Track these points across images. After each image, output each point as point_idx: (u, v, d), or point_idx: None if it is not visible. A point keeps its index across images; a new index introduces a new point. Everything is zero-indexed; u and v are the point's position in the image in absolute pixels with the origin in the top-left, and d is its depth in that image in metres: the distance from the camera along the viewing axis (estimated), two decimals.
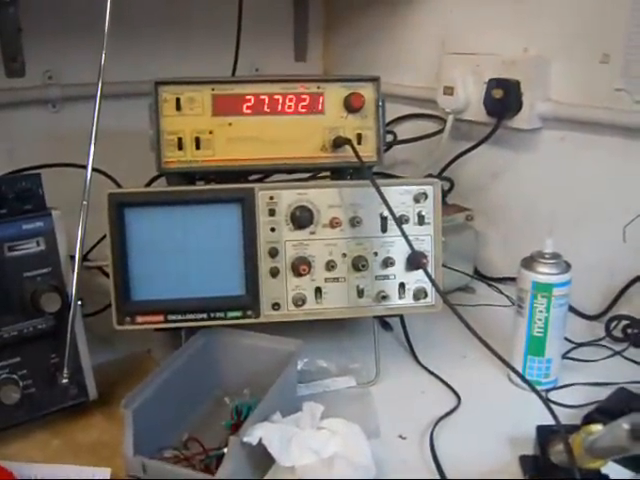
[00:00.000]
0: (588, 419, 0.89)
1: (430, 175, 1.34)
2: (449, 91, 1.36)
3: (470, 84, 1.33)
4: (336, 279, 0.97)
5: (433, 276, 0.96)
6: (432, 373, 1.05)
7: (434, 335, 1.15)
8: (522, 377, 0.89)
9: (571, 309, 1.21)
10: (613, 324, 1.16)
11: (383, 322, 1.17)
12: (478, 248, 1.39)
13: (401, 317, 1.12)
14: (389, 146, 1.42)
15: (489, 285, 1.38)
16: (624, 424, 0.64)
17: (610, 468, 0.78)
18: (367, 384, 1.01)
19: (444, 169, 1.40)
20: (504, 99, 1.25)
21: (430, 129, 1.46)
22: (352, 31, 1.73)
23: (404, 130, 1.53)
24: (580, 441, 0.72)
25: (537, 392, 0.80)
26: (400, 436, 0.91)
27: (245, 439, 0.74)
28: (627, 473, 0.83)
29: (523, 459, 0.84)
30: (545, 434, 0.83)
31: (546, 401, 0.79)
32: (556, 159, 1.27)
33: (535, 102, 1.24)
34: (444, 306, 1.17)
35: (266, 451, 0.75)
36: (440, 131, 1.41)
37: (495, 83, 1.26)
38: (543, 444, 0.81)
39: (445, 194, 1.37)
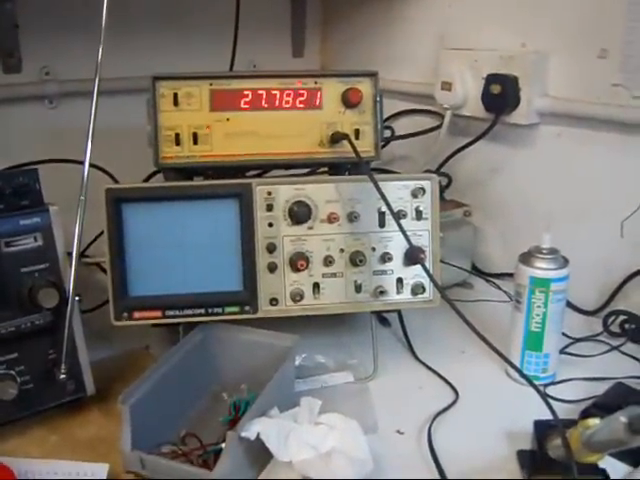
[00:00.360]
0: (585, 414, 0.89)
1: (428, 171, 1.34)
2: (447, 86, 1.35)
3: (468, 79, 1.33)
4: (334, 274, 0.97)
5: (431, 271, 0.96)
6: (430, 368, 1.05)
7: (432, 331, 1.15)
8: (520, 372, 0.89)
9: (569, 304, 1.21)
10: (611, 319, 1.16)
11: (381, 318, 1.17)
12: (476, 244, 1.39)
13: (399, 313, 1.12)
14: (387, 142, 1.42)
15: (487, 281, 1.37)
16: (622, 417, 0.64)
17: (607, 462, 0.78)
18: (365, 380, 1.01)
19: (442, 165, 1.40)
20: (502, 94, 1.24)
21: (428, 125, 1.46)
22: (350, 27, 1.73)
23: (402, 126, 1.53)
24: (578, 435, 0.72)
25: (535, 387, 0.80)
26: (398, 431, 0.91)
27: (243, 434, 0.74)
28: (624, 467, 0.83)
29: (521, 454, 0.84)
30: (543, 429, 0.83)
31: (544, 396, 0.79)
32: (553, 155, 1.27)
33: (533, 97, 1.24)
34: (442, 301, 1.17)
35: (264, 446, 0.75)
36: (438, 127, 1.41)
37: (493, 78, 1.26)
38: (540, 439, 0.82)
39: (443, 190, 1.37)
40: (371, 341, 1.04)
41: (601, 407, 0.90)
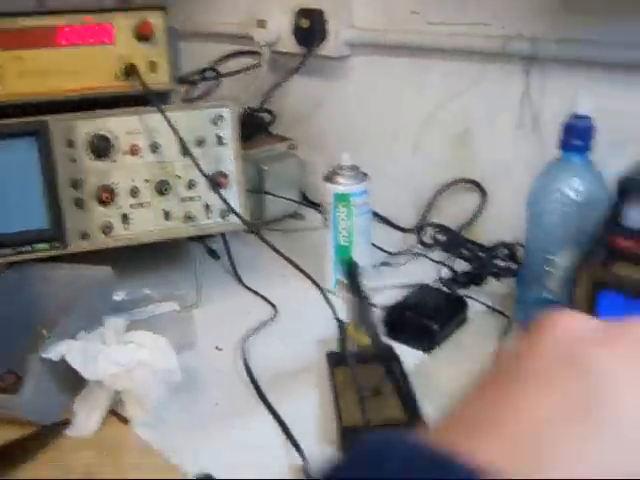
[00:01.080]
0: (388, 312, 0.97)
1: (250, 108, 1.38)
2: (262, 24, 1.39)
3: (280, 16, 1.37)
4: (141, 205, 0.98)
5: (237, 195, 1.00)
6: (252, 290, 1.10)
7: (258, 260, 1.18)
8: (313, 281, 0.95)
9: (388, 223, 1.30)
10: (423, 232, 1.24)
11: (210, 250, 1.20)
12: (305, 176, 1.43)
13: (225, 244, 1.15)
14: (216, 83, 1.44)
15: (318, 211, 1.43)
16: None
17: (401, 349, 0.88)
18: (190, 307, 1.05)
19: (264, 101, 1.44)
20: (310, 28, 1.29)
21: None
22: None
23: (230, 68, 1.54)
24: (353, 325, 0.79)
25: (325, 295, 0.87)
26: (217, 347, 0.95)
27: (44, 355, 0.76)
28: (418, 354, 0.92)
29: (329, 355, 0.91)
30: (342, 329, 0.90)
31: (328, 300, 0.85)
32: (364, 83, 1.33)
33: (340, 30, 1.29)
34: (270, 232, 1.23)
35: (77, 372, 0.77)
36: (259, 64, 1.44)
37: (302, 13, 1.31)
38: (342, 339, 0.89)
39: (267, 126, 1.42)
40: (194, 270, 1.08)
41: (403, 306, 0.98)
